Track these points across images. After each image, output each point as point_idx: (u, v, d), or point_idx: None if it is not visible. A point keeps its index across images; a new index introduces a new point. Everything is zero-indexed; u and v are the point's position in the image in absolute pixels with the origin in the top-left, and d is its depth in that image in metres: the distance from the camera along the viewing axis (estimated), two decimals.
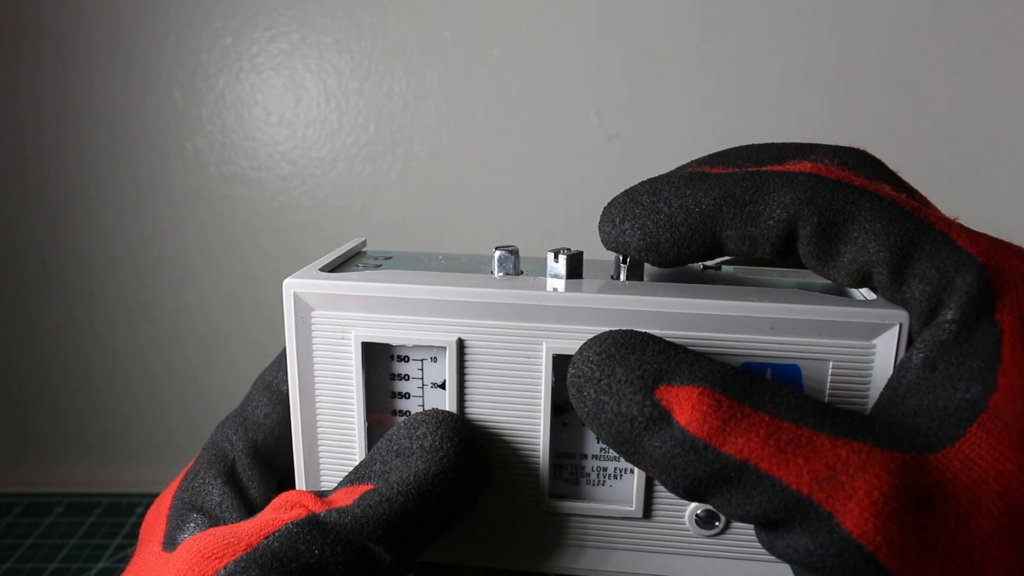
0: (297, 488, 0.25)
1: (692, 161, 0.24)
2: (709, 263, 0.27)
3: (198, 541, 0.21)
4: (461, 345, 0.23)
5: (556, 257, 0.24)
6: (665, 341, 0.21)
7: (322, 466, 0.25)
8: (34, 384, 0.80)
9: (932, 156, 0.71)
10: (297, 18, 0.72)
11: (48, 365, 0.80)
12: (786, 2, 0.69)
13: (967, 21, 0.68)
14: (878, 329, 0.22)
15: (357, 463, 0.24)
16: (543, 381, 0.23)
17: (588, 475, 0.24)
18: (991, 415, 0.19)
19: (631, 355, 0.20)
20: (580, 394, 0.21)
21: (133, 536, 0.73)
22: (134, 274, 0.77)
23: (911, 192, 0.23)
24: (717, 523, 0.23)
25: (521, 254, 0.25)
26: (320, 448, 0.25)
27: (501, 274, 0.25)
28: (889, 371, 0.22)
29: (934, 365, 0.20)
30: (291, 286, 0.24)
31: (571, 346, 0.22)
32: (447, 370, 0.24)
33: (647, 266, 0.25)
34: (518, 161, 0.73)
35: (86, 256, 0.77)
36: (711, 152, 0.24)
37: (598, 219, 0.24)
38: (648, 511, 0.24)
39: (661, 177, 0.23)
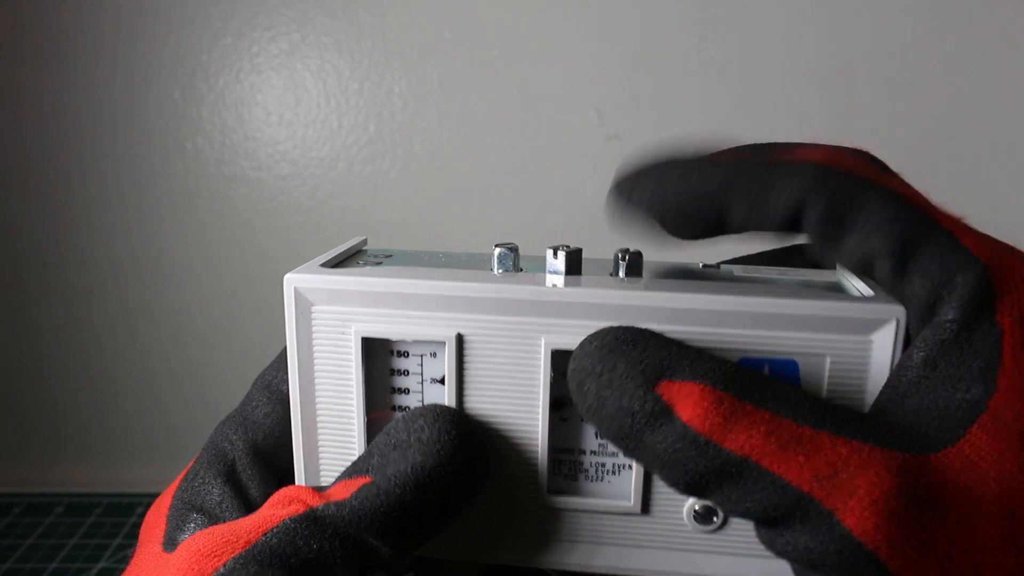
0: (296, 484, 0.25)
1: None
2: (708, 262, 0.27)
3: (197, 540, 0.21)
4: (460, 340, 0.23)
5: (555, 254, 0.24)
6: (666, 337, 0.21)
7: (322, 463, 0.25)
8: (34, 384, 0.80)
9: (932, 156, 0.71)
10: (297, 18, 0.72)
11: (48, 365, 0.80)
12: (786, 2, 0.69)
13: (967, 21, 0.68)
14: (875, 324, 0.22)
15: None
16: (542, 376, 0.23)
17: (586, 470, 0.24)
18: (991, 416, 0.19)
19: (633, 350, 0.20)
20: (581, 388, 0.21)
21: (133, 536, 0.73)
22: (134, 274, 0.77)
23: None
24: (715, 519, 0.23)
25: (521, 254, 0.26)
26: (320, 445, 0.25)
27: (501, 271, 0.25)
28: (886, 366, 0.22)
29: (934, 364, 0.20)
30: (292, 281, 0.24)
31: (570, 341, 0.22)
32: (446, 365, 0.24)
33: (646, 264, 0.26)
34: (518, 161, 0.73)
35: (86, 256, 0.77)
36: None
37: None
38: (646, 507, 0.24)
39: (677, 152, 0.24)
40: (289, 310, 0.24)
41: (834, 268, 0.26)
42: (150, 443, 0.81)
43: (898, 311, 0.21)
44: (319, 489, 0.22)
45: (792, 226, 0.22)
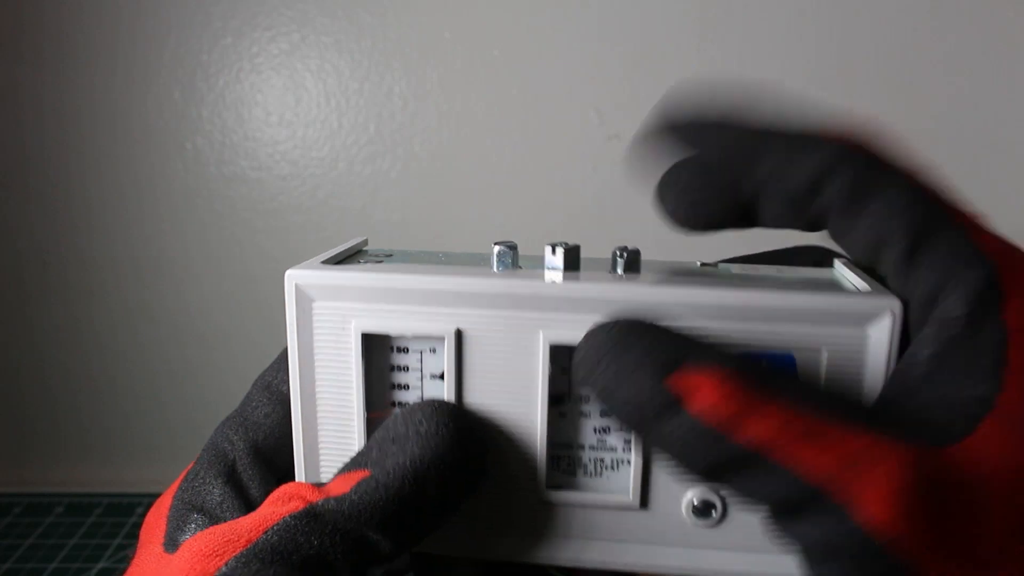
0: (296, 480, 0.25)
1: None
2: (707, 261, 0.27)
3: (199, 540, 0.21)
4: (459, 335, 0.23)
5: (554, 250, 0.24)
6: (674, 329, 0.21)
7: (322, 459, 0.25)
8: (34, 384, 0.80)
9: (932, 156, 0.71)
10: (297, 18, 0.72)
11: (48, 365, 0.80)
12: (786, 2, 0.69)
13: (967, 21, 0.68)
14: (871, 317, 0.22)
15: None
16: (540, 371, 0.23)
17: (585, 465, 0.25)
18: (1001, 412, 0.19)
19: (641, 341, 0.20)
20: (590, 377, 0.20)
21: (133, 536, 0.73)
22: (134, 274, 0.77)
23: None
24: (714, 513, 0.23)
25: (521, 254, 0.26)
26: (320, 442, 0.25)
27: (500, 269, 0.25)
28: (883, 360, 0.22)
29: (942, 360, 0.20)
30: (293, 277, 0.24)
31: (568, 335, 0.22)
32: (445, 360, 0.24)
33: (644, 261, 0.26)
34: (518, 161, 0.73)
35: (86, 256, 0.77)
36: None
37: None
38: (645, 501, 0.24)
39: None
40: (290, 306, 0.24)
41: (837, 248, 0.26)
42: (150, 443, 0.81)
43: (894, 304, 0.21)
44: (318, 485, 0.22)
45: (811, 192, 0.22)
